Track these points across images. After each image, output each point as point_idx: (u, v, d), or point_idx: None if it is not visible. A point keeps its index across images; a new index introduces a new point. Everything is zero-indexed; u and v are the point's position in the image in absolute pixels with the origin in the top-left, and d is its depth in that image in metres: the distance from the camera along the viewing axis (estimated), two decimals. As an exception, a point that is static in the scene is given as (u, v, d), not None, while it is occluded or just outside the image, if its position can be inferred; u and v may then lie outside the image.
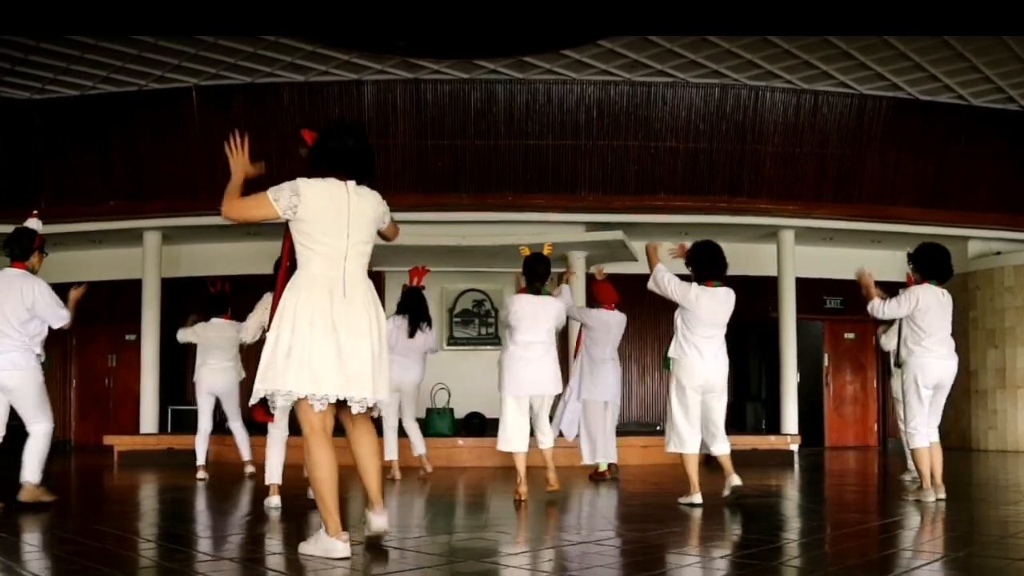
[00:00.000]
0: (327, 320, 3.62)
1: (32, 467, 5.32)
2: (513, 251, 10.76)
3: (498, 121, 11.64)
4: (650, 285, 5.84)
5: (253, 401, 3.68)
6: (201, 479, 7.55)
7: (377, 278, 12.36)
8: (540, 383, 6.11)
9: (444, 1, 8.39)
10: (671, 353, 5.81)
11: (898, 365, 6.11)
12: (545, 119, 11.67)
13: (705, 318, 5.71)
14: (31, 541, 4.16)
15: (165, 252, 12.19)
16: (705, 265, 5.79)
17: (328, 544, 3.58)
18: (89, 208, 11.76)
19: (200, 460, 7.83)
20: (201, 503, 6.20)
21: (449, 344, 12.90)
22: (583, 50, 10.47)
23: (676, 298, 5.76)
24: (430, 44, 10.01)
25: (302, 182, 3.72)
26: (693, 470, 5.66)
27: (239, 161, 3.85)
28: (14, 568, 3.39)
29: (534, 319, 6.07)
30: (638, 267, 12.44)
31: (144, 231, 11.87)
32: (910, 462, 6.91)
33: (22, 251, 5.46)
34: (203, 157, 11.50)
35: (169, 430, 11.85)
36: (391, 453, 7.75)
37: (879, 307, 5.98)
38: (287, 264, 3.83)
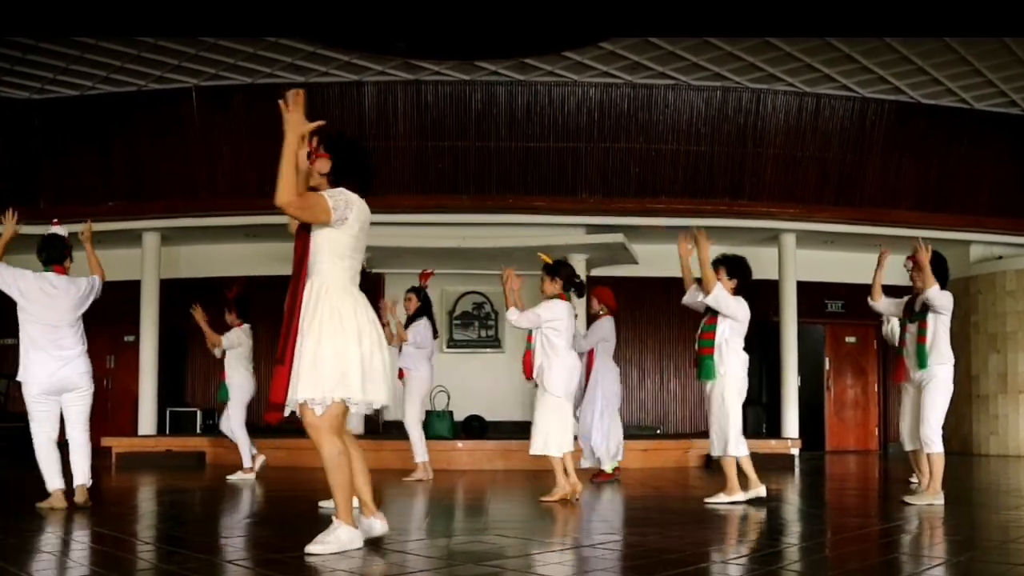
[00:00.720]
0: (369, 329, 3.69)
1: (85, 471, 5.44)
2: (512, 252, 10.78)
3: (499, 123, 11.63)
4: (709, 300, 5.81)
5: (321, 411, 3.61)
6: (256, 469, 7.85)
7: (378, 280, 12.34)
8: (576, 386, 6.33)
9: (445, 2, 8.37)
10: (728, 366, 5.83)
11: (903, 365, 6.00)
12: (546, 121, 11.66)
13: (745, 329, 5.93)
14: (28, 543, 4.13)
15: (164, 253, 12.17)
16: (745, 279, 5.96)
17: (349, 532, 3.65)
18: (89, 208, 11.64)
19: (249, 463, 7.93)
20: (201, 505, 6.18)
21: (449, 347, 12.87)
22: (584, 52, 10.46)
23: (735, 315, 5.84)
24: (431, 45, 10.01)
25: (351, 194, 3.73)
26: (751, 467, 5.87)
27: (294, 120, 3.56)
28: (10, 570, 3.37)
29: (569, 327, 6.18)
30: (638, 270, 12.45)
31: (143, 232, 11.84)
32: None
33: (58, 255, 5.64)
34: (203, 157, 11.48)
35: (167, 432, 11.82)
36: (423, 454, 7.84)
37: (938, 294, 5.77)
38: (306, 270, 3.77)
